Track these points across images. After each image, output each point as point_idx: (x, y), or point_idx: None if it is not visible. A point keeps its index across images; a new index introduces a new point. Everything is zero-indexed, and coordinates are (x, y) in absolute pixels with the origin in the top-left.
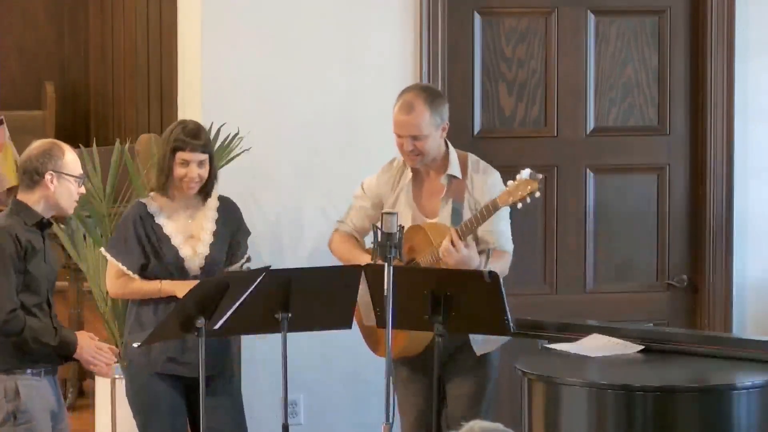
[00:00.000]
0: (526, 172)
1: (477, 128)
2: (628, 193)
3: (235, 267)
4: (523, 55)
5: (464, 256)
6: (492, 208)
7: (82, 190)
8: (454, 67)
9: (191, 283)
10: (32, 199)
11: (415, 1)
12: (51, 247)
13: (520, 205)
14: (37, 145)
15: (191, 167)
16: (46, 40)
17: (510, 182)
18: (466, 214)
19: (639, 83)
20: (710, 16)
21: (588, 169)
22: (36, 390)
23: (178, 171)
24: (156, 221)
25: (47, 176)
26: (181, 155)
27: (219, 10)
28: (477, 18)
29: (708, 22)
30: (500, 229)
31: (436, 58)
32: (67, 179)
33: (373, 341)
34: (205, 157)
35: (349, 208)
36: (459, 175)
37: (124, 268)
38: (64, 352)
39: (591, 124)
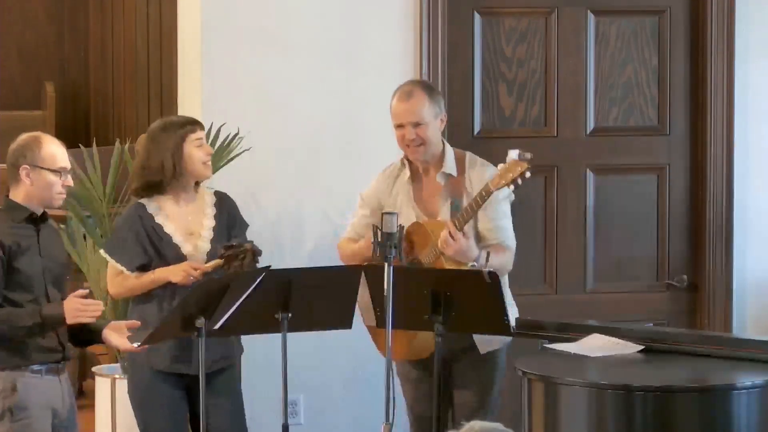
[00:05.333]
0: (514, 153)
1: (477, 128)
2: (628, 193)
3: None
4: (523, 55)
5: (462, 245)
6: (485, 194)
7: (69, 182)
8: (454, 67)
9: (182, 266)
10: (18, 194)
11: (415, 1)
12: (53, 237)
13: (512, 188)
14: (18, 139)
15: (206, 145)
16: (46, 40)
17: (500, 165)
18: None
19: (639, 83)
20: (710, 17)
21: (588, 169)
22: (35, 387)
23: (197, 154)
24: (156, 221)
25: (22, 171)
26: (193, 136)
27: (219, 10)
28: (477, 18)
29: (708, 23)
30: (502, 225)
31: (436, 58)
32: (43, 172)
33: (381, 341)
34: None
35: (351, 221)
36: (454, 173)
37: (123, 269)
38: (54, 326)
39: (591, 124)
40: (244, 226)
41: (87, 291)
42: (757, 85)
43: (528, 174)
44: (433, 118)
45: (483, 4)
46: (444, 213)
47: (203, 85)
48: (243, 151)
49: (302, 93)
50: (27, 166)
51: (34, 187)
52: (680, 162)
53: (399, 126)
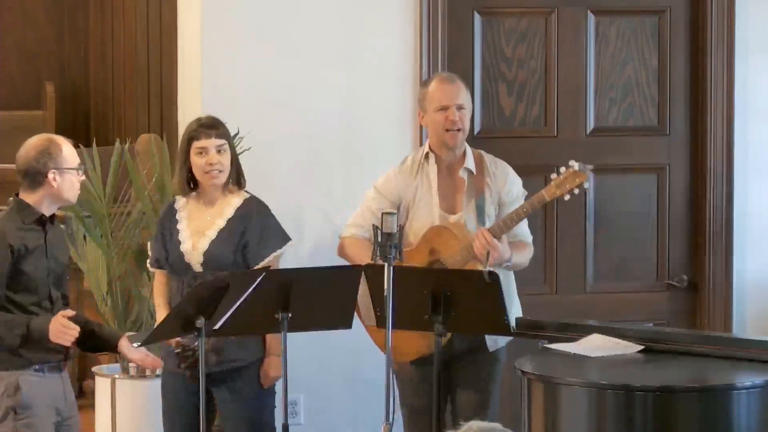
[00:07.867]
0: (575, 164)
1: (477, 128)
2: (628, 193)
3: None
4: (523, 55)
5: (501, 253)
6: (537, 203)
7: (82, 177)
8: (454, 67)
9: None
10: (34, 197)
11: (415, 1)
12: (59, 239)
13: (567, 197)
14: (32, 144)
15: (210, 154)
16: (46, 40)
17: (554, 175)
18: (489, 210)
19: (639, 83)
20: (710, 16)
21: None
22: (38, 386)
23: (197, 161)
24: (176, 217)
25: (50, 175)
26: (196, 144)
27: (219, 10)
28: (477, 18)
29: (708, 22)
30: (522, 222)
31: (436, 58)
32: (69, 172)
33: (379, 339)
34: (222, 142)
35: (359, 212)
36: (474, 169)
37: (149, 264)
38: (39, 341)
39: (591, 124)
40: (270, 243)
41: (73, 313)
42: (756, 84)
43: (586, 185)
44: (469, 108)
45: (483, 4)
46: (468, 211)
47: (203, 85)
48: (243, 151)
49: (302, 93)
50: (55, 170)
51: (61, 188)
52: (680, 162)
53: (443, 108)
